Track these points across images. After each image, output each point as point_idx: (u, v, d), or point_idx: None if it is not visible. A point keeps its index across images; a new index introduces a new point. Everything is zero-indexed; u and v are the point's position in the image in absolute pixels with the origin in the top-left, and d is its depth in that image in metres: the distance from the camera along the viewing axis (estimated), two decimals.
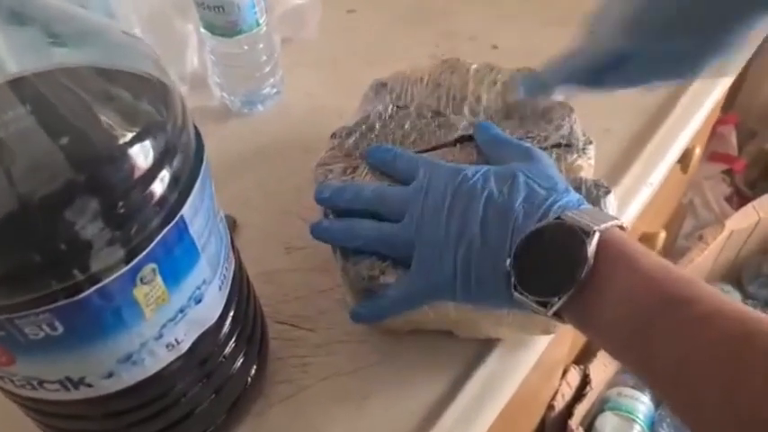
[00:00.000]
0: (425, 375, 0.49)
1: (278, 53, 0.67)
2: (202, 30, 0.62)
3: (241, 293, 0.42)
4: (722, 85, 0.69)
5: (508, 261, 0.40)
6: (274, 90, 0.67)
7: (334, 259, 0.49)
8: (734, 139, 1.40)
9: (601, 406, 0.88)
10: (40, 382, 0.34)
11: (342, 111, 0.61)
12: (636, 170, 0.61)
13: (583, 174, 0.50)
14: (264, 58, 0.64)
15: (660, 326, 0.34)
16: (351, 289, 0.47)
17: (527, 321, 0.45)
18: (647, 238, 0.87)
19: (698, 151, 0.83)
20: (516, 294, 0.39)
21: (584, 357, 0.84)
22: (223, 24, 0.60)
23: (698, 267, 1.04)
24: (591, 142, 0.51)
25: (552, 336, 0.50)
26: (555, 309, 0.38)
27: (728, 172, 1.41)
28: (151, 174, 0.31)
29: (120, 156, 0.29)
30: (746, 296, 1.20)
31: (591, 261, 0.37)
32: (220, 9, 0.58)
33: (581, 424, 0.83)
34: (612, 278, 0.36)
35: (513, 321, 0.46)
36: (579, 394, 0.84)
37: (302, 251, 0.56)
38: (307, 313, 0.53)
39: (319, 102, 0.69)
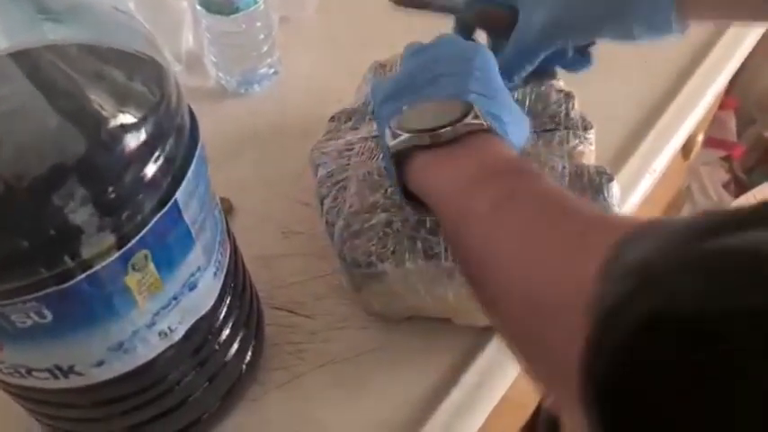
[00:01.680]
0: (423, 363, 0.48)
1: (276, 32, 0.65)
2: (198, 7, 0.60)
3: (237, 280, 0.41)
4: (726, 72, 0.68)
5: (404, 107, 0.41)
6: (272, 70, 0.66)
7: (331, 244, 0.48)
8: (733, 125, 1.39)
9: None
10: (29, 371, 0.33)
11: (341, 92, 0.60)
12: (638, 157, 0.60)
13: (584, 160, 0.49)
14: (262, 36, 0.62)
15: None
16: (347, 273, 0.46)
17: None
18: None
19: (700, 138, 0.82)
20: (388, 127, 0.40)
21: None
22: (220, 1, 0.58)
23: None
24: (591, 126, 0.50)
25: None
26: (401, 147, 0.38)
27: (726, 158, 1.40)
28: (143, 157, 0.29)
29: (111, 138, 0.28)
30: None
31: (458, 131, 0.37)
32: None
33: None
34: (478, 150, 0.37)
35: None
36: None
37: (299, 236, 0.55)
38: (303, 299, 0.52)
39: (317, 83, 0.67)
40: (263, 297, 0.50)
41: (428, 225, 0.44)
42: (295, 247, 0.55)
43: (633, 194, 0.58)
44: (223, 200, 0.55)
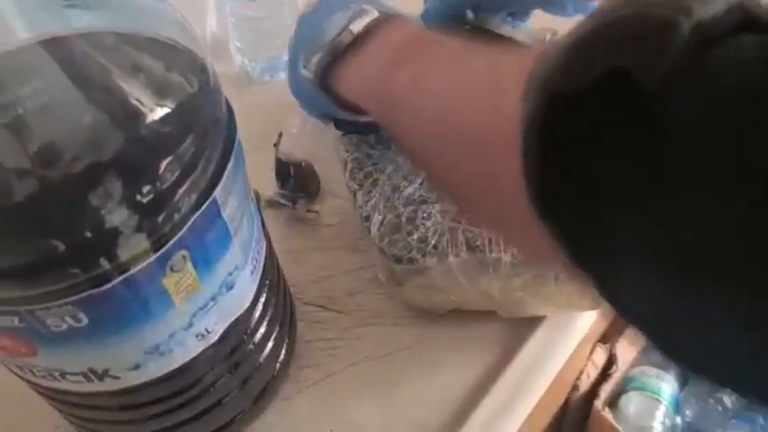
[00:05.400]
0: (461, 360, 0.46)
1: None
2: None
3: (272, 277, 0.39)
4: None
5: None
6: None
7: (363, 237, 0.46)
8: None
9: (624, 386, 0.86)
10: (63, 374, 0.31)
11: None
12: None
13: None
14: (289, 22, 0.60)
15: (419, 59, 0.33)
16: (387, 269, 0.45)
17: (574, 297, 0.43)
18: None
19: None
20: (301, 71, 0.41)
21: (610, 336, 0.81)
22: None
23: None
24: None
25: (596, 312, 0.47)
26: (318, 72, 0.39)
27: None
28: (182, 153, 0.28)
29: (149, 134, 0.27)
30: None
31: (354, 29, 0.37)
32: None
33: (604, 404, 0.81)
34: (384, 34, 0.37)
35: (561, 297, 0.43)
36: (605, 374, 0.82)
37: (331, 228, 0.54)
38: (335, 294, 0.50)
39: None
40: (295, 292, 0.49)
41: None
42: (325, 240, 0.53)
43: None
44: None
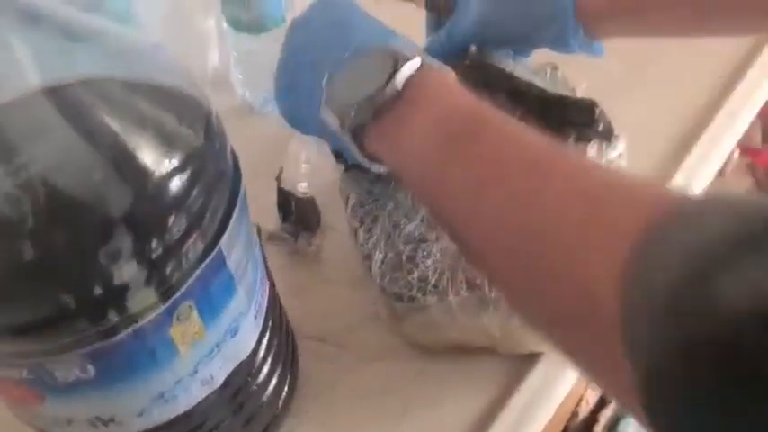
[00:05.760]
0: (464, 396, 0.47)
1: None
2: (225, 25, 0.59)
3: (274, 317, 0.40)
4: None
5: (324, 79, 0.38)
6: None
7: (363, 271, 0.47)
8: (758, 131, 1.37)
9: (623, 411, 0.86)
10: (69, 421, 0.32)
11: None
12: (677, 181, 0.58)
13: None
14: None
15: (463, 146, 0.32)
16: (387, 306, 0.45)
17: None
18: None
19: (736, 154, 0.80)
20: (322, 110, 0.38)
21: None
22: (248, 20, 0.57)
23: None
24: (616, 136, 0.48)
25: None
26: (352, 125, 0.36)
27: (751, 165, 1.38)
28: (190, 207, 0.28)
29: (158, 190, 0.27)
30: None
31: (399, 85, 0.34)
32: (246, 4, 0.55)
33: (604, 430, 0.82)
34: (428, 101, 0.34)
35: None
36: (603, 399, 0.82)
37: (331, 262, 0.54)
38: (336, 328, 0.50)
39: None
40: (295, 326, 0.49)
41: None
42: (326, 274, 0.54)
43: None
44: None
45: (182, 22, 0.60)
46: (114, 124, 0.28)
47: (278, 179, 0.56)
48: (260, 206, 0.56)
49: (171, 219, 0.27)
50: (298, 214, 0.55)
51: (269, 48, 0.60)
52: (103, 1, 0.55)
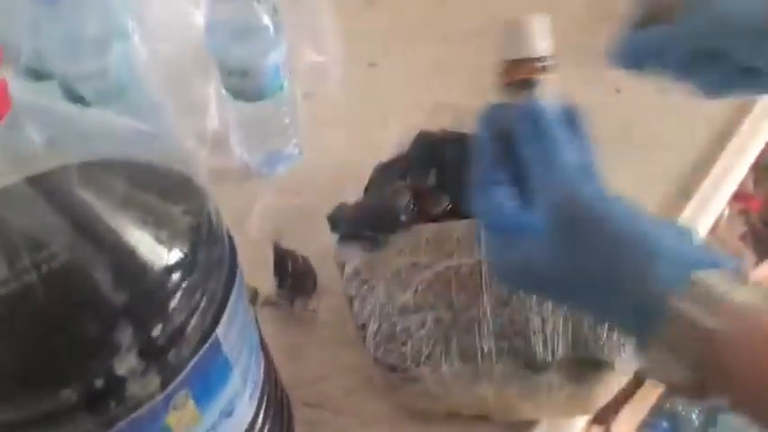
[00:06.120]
0: None
1: (299, 110, 0.65)
2: (224, 92, 0.61)
3: (270, 390, 0.40)
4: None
5: None
6: (296, 150, 0.66)
7: (361, 342, 0.47)
8: (750, 178, 1.38)
9: None
10: None
11: (366, 170, 0.60)
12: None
13: None
14: (287, 120, 0.63)
15: None
16: (382, 376, 0.46)
17: (568, 403, 0.44)
18: None
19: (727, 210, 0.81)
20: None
21: (605, 416, 0.82)
22: (247, 90, 0.59)
23: None
24: None
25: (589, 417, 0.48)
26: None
27: (744, 211, 1.39)
28: (188, 297, 0.29)
29: (156, 282, 0.28)
30: None
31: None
32: (245, 75, 0.57)
33: None
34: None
35: (555, 404, 0.44)
36: None
37: (327, 325, 0.55)
38: (332, 393, 0.51)
39: (342, 159, 0.67)
40: (290, 391, 0.49)
41: (462, 324, 0.44)
42: (322, 338, 0.54)
43: None
44: (247, 287, 0.55)
45: (181, 85, 0.62)
46: (114, 218, 0.29)
47: (275, 243, 0.57)
48: (257, 268, 0.57)
49: (168, 310, 0.28)
50: (294, 278, 0.56)
51: (267, 112, 0.61)
52: (108, 69, 0.57)
